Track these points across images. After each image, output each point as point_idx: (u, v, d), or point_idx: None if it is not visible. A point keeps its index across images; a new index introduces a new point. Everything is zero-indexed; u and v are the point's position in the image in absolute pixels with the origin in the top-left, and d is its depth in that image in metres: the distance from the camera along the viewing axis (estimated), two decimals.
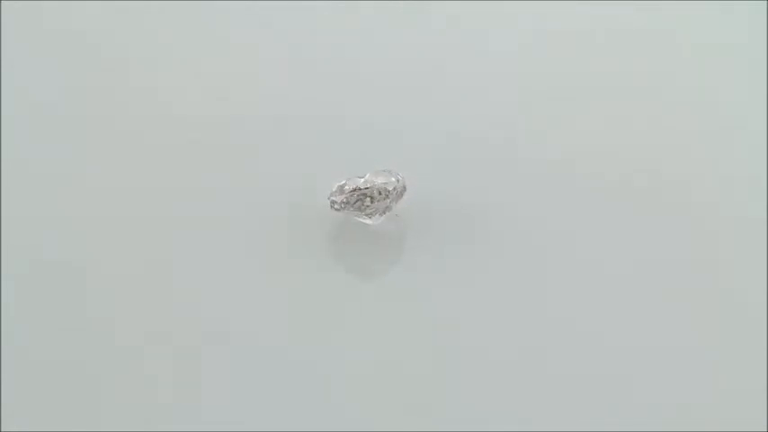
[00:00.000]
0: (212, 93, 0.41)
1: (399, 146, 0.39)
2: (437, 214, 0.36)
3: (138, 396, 0.31)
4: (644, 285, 0.34)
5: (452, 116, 0.40)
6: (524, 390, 0.31)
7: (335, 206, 0.35)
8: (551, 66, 0.43)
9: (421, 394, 0.31)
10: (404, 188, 0.36)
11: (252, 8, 0.45)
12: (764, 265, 0.34)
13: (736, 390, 0.31)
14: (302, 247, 0.35)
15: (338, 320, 0.33)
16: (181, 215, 0.36)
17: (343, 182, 0.35)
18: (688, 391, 0.31)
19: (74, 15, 0.44)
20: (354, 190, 0.35)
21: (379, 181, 0.35)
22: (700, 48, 0.43)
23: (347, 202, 0.35)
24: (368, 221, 0.36)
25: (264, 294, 0.34)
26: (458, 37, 0.44)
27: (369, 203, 0.35)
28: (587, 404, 0.31)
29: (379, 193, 0.35)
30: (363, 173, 0.36)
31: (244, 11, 0.44)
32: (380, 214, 0.35)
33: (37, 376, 0.31)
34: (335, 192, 0.35)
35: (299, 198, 0.36)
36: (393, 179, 0.35)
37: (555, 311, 0.33)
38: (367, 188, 0.35)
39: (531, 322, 0.33)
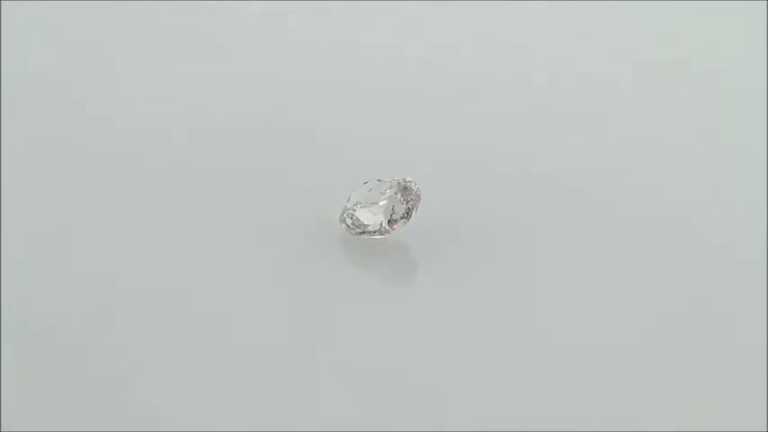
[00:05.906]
0: (212, 105, 0.41)
1: (396, 154, 0.39)
2: (436, 224, 0.36)
3: (139, 396, 0.31)
4: (643, 297, 0.34)
5: (454, 123, 0.40)
6: (523, 393, 0.31)
7: (386, 232, 0.34)
8: (556, 81, 0.43)
9: (421, 397, 0.31)
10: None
11: (254, 19, 0.45)
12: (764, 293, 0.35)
13: (735, 393, 0.32)
14: (308, 259, 0.35)
15: (340, 325, 0.33)
16: (182, 221, 0.36)
17: (365, 205, 0.34)
18: (685, 396, 0.32)
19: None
20: (406, 214, 0.34)
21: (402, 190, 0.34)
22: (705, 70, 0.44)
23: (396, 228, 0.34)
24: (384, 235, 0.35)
25: (269, 299, 0.34)
26: (459, 50, 0.44)
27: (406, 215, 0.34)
28: (585, 407, 0.31)
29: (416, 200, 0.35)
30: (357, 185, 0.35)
31: (246, 21, 0.45)
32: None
33: (37, 376, 0.31)
34: (379, 222, 0.34)
35: (304, 208, 0.36)
36: (404, 182, 0.34)
37: (553, 320, 0.33)
38: (410, 201, 0.34)
39: (529, 330, 0.33)
